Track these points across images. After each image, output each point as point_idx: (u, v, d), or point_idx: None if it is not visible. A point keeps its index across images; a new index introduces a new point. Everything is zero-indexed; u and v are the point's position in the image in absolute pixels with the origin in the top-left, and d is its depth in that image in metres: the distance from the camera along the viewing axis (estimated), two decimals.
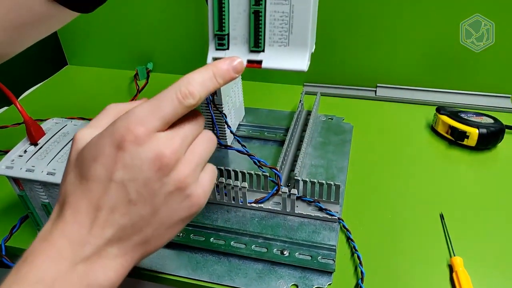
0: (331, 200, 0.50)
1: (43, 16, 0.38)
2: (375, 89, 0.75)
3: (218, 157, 0.60)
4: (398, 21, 0.68)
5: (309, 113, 0.64)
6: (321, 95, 0.71)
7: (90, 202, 0.28)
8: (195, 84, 0.29)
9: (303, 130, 0.63)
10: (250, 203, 0.51)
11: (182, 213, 0.31)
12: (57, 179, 0.42)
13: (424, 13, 0.66)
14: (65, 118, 0.53)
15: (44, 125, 0.49)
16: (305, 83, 0.79)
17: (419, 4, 0.66)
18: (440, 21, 0.66)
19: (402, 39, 0.70)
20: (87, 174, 0.29)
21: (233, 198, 0.51)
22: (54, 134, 0.48)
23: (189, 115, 0.31)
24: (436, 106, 0.65)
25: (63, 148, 0.46)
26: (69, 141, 0.46)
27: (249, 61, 0.33)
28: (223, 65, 0.31)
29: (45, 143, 0.46)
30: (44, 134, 0.48)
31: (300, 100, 0.65)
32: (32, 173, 0.43)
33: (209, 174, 0.32)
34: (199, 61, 0.33)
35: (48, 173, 0.42)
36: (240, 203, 0.51)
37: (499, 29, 0.63)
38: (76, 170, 0.30)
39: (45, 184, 0.44)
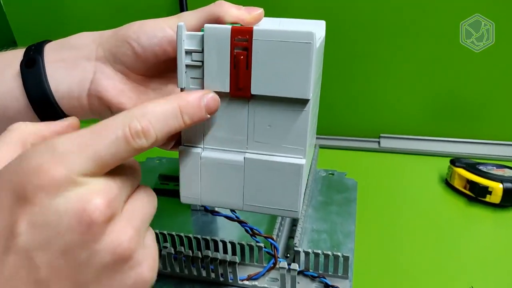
0: (339, 274, 0.42)
1: None
2: (378, 139, 0.69)
3: (204, 225, 0.52)
4: (400, 65, 0.64)
5: None
6: (320, 148, 0.64)
7: None
8: (152, 119, 0.21)
9: None
10: (242, 280, 0.43)
11: None
12: None
13: (428, 52, 0.62)
14: None
15: None
16: None
17: (422, 47, 0.62)
18: (440, 42, 0.62)
19: (405, 84, 0.65)
20: None
21: (221, 274, 0.43)
22: None
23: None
24: (448, 158, 0.59)
25: None
26: None
27: None
28: (194, 100, 0.23)
29: None
30: None
31: None
32: None
33: (153, 238, 0.23)
34: None
35: None
36: (230, 281, 0.43)
37: (499, 29, 0.60)
38: None
39: None
